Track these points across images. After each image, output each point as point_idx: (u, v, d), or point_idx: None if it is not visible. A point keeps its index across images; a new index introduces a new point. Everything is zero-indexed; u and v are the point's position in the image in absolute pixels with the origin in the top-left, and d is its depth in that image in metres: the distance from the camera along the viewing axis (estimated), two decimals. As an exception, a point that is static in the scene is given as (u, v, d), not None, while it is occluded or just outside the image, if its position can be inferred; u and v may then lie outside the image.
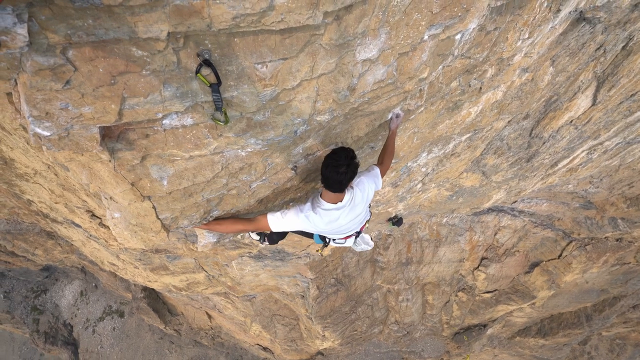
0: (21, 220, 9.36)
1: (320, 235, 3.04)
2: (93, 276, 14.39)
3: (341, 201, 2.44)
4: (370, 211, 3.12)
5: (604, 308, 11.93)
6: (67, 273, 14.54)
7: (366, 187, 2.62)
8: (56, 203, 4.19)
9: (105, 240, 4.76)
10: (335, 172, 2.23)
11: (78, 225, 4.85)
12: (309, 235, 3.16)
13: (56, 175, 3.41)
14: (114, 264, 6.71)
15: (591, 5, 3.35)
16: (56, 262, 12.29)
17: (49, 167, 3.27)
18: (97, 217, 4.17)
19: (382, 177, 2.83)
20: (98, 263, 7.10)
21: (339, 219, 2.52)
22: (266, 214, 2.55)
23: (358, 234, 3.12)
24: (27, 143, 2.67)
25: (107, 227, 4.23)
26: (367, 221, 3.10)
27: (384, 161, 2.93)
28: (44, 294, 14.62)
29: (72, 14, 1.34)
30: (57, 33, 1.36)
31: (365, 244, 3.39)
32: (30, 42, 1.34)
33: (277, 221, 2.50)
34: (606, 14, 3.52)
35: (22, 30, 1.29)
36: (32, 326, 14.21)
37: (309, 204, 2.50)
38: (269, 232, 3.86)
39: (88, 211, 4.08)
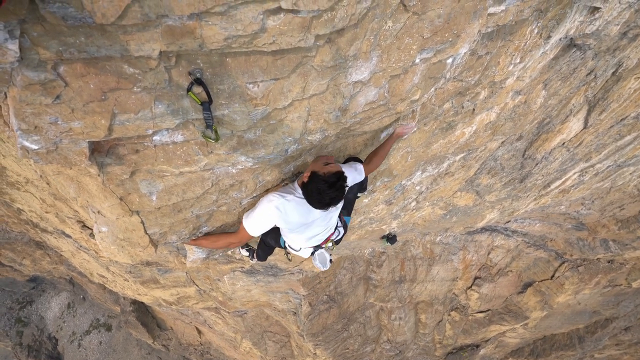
0: (9, 229, 9.22)
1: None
2: (81, 288, 14.11)
3: None
4: (342, 229, 2.99)
5: (596, 330, 11.86)
6: (54, 284, 14.26)
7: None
8: (47, 212, 4.14)
9: (96, 252, 4.69)
10: (318, 199, 2.21)
11: (68, 236, 4.79)
12: (278, 241, 2.92)
13: (48, 184, 3.38)
14: (103, 276, 6.60)
15: (581, 33, 3.43)
16: (44, 273, 12.07)
17: (41, 176, 3.25)
18: (88, 227, 4.12)
19: (366, 175, 2.71)
20: (87, 275, 6.99)
21: (314, 210, 2.38)
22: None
23: (317, 247, 2.94)
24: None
25: (97, 239, 4.18)
26: (336, 240, 2.97)
27: (371, 161, 2.81)
28: (30, 305, 14.28)
29: (65, 31, 1.35)
30: (48, 49, 1.37)
31: (322, 262, 3.13)
32: (21, 57, 1.35)
33: (250, 221, 2.39)
34: (596, 41, 3.59)
35: (13, 46, 1.30)
36: (15, 339, 13.82)
37: (279, 193, 2.36)
38: (256, 248, 3.81)
39: (79, 222, 4.03)
